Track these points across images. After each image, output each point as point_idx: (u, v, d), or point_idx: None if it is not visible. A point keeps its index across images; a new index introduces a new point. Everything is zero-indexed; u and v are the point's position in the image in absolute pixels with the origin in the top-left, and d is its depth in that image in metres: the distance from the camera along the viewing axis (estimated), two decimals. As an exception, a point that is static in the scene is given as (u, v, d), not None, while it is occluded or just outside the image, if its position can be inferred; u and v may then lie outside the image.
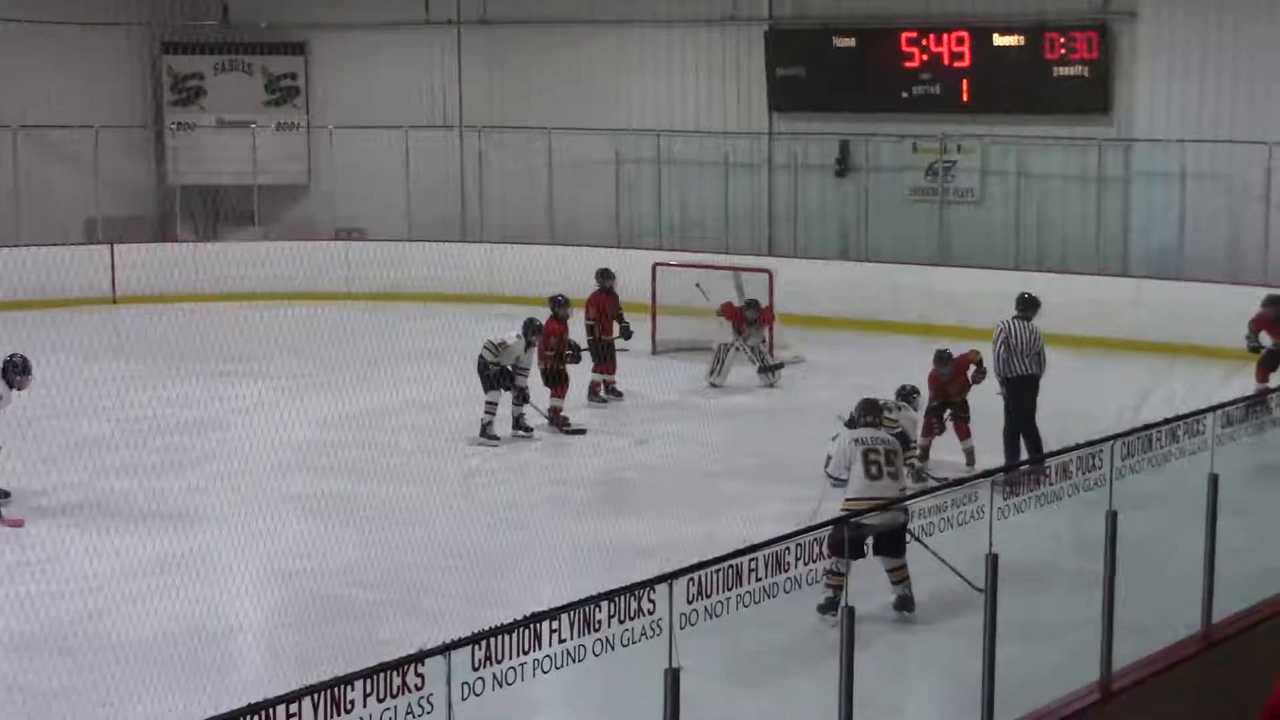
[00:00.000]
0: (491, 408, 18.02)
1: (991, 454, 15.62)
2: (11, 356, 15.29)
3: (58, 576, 12.99)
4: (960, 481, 9.07)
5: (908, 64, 26.62)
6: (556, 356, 18.55)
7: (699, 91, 28.87)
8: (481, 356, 18.06)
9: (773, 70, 27.75)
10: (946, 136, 26.45)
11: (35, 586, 12.56)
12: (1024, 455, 15.42)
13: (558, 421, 18.53)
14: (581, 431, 18.37)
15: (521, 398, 18.27)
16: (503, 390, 18.04)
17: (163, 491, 15.69)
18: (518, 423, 18.21)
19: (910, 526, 10.56)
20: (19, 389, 15.27)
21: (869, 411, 12.27)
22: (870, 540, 10.99)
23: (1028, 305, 16.51)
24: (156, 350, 22.37)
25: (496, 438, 17.94)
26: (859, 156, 27.49)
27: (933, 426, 16.34)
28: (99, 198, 28.90)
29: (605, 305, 20.39)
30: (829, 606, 10.81)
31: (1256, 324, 18.13)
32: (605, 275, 20.67)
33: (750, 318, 21.22)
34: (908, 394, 15.97)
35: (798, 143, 28.05)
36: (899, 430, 15.30)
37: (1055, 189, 25.93)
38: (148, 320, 25.25)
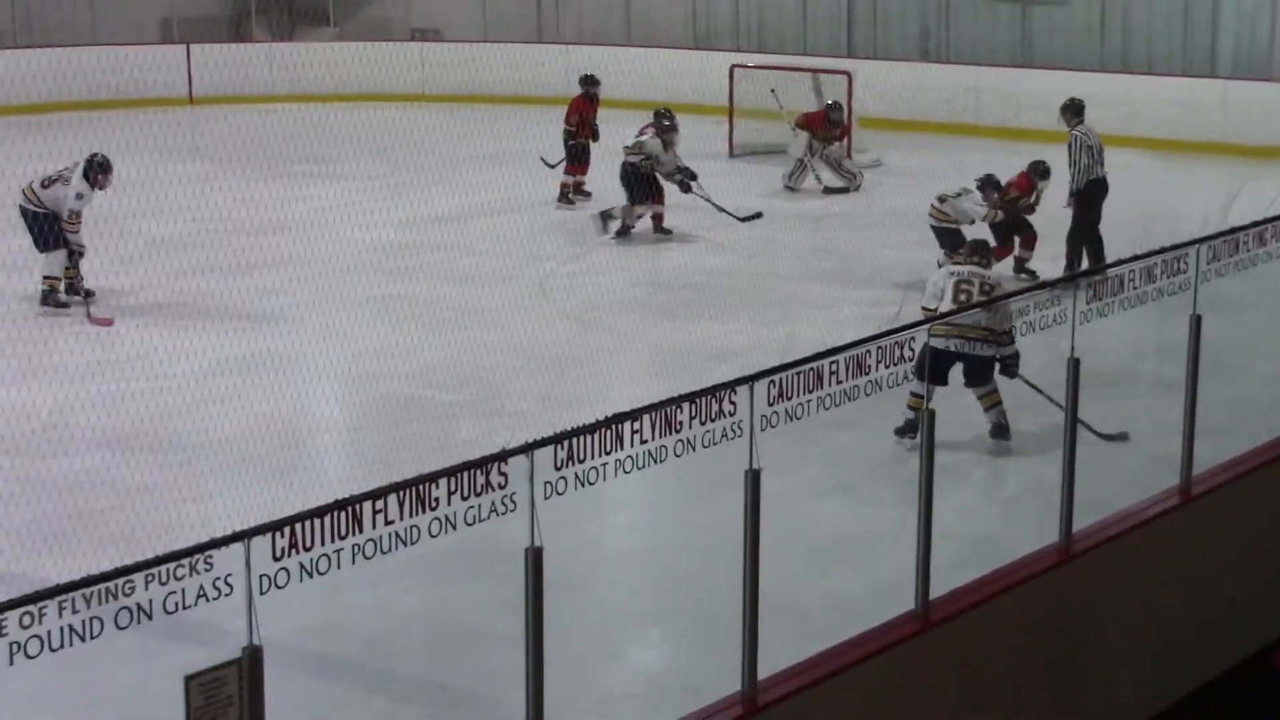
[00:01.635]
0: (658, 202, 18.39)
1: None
2: (93, 156, 15.36)
3: (142, 374, 13.13)
4: (1045, 284, 9.02)
5: None
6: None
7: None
8: (625, 164, 18.25)
9: None
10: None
11: (121, 385, 12.70)
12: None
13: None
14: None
15: (684, 188, 18.45)
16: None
17: (243, 292, 15.81)
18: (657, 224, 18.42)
19: (1003, 357, 10.76)
20: (101, 188, 15.37)
21: (976, 251, 11.93)
22: (960, 368, 10.92)
23: (1083, 109, 16.30)
24: (233, 151, 22.36)
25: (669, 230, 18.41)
26: (942, -46, 27.03)
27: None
28: (174, -2, 28.84)
29: (585, 111, 20.37)
30: (907, 429, 10.80)
31: None
32: (589, 81, 20.59)
33: (834, 119, 20.97)
34: (982, 183, 15.80)
35: (878, -61, 27.59)
36: (949, 223, 15.35)
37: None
38: (224, 120, 25.32)
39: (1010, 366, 10.87)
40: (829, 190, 20.63)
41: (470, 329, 14.61)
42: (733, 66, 23.83)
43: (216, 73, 27.41)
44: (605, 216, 18.26)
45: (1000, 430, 11.25)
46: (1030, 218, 16.03)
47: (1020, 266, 15.94)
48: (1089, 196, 15.85)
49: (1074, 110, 16.30)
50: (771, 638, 6.89)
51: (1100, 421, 10.18)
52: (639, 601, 9.35)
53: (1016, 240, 16.10)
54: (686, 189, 18.38)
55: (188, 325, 14.68)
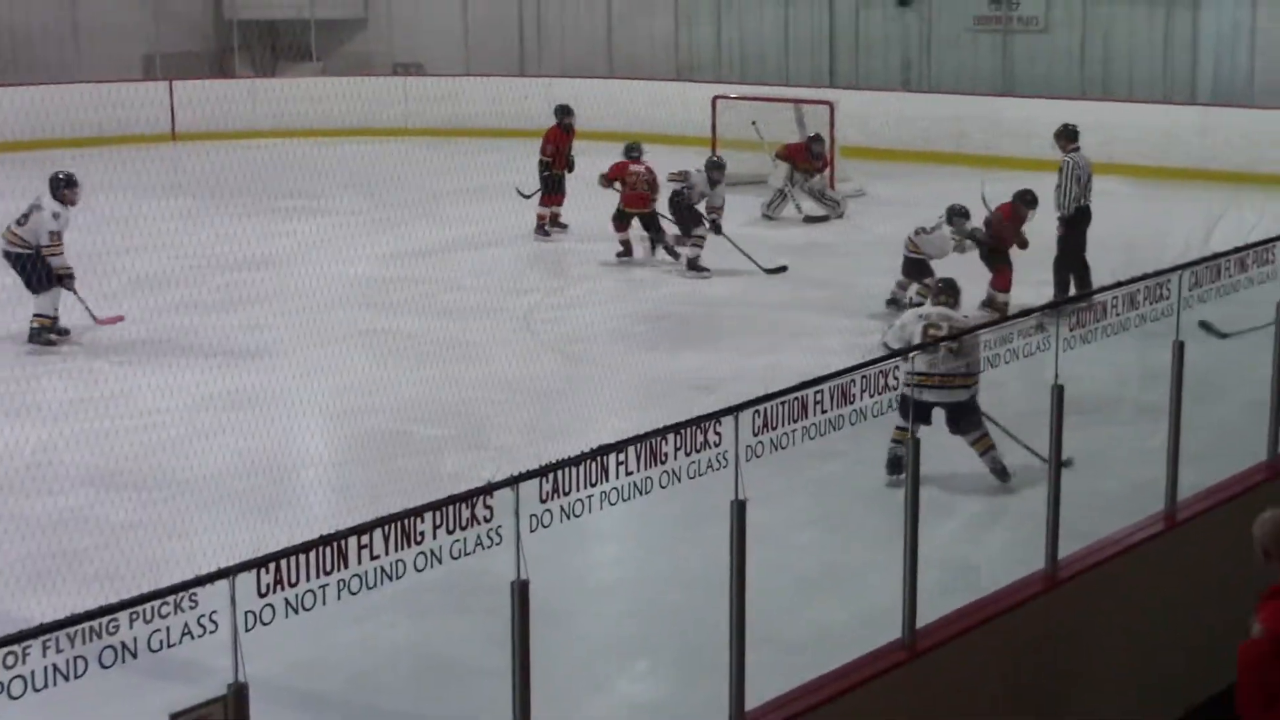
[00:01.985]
0: (699, 241, 18.36)
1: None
2: (55, 174, 15.41)
3: (125, 412, 13.11)
4: (1027, 312, 9.02)
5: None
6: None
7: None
8: (671, 194, 18.61)
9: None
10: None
11: (104, 422, 12.69)
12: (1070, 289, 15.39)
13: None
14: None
15: (714, 228, 18.50)
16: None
17: (226, 328, 15.83)
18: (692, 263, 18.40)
19: (977, 401, 10.78)
20: (71, 203, 15.37)
21: (943, 291, 11.79)
22: (941, 414, 10.84)
23: (1078, 135, 16.34)
24: (216, 186, 22.35)
25: (706, 270, 18.24)
26: (922, -16, 27.15)
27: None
28: (157, 33, 28.82)
29: (561, 142, 20.51)
30: (893, 466, 10.81)
31: None
32: (565, 112, 20.70)
33: (815, 151, 21.03)
34: (950, 214, 15.86)
35: (859, -30, 27.71)
36: (919, 255, 15.39)
37: (1122, 14, 25.54)
38: (206, 156, 25.26)
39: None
40: (810, 219, 20.69)
41: (454, 363, 14.60)
42: (715, 97, 23.93)
43: (199, 109, 27.44)
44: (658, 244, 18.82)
45: (1000, 473, 11.10)
46: (1015, 250, 15.94)
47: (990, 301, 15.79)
48: (1075, 223, 15.90)
49: (1069, 136, 16.36)
50: (758, 668, 6.88)
51: (1081, 448, 10.17)
52: (625, 633, 9.34)
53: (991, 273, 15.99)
54: (718, 230, 18.42)
55: (171, 362, 14.63)
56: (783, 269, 18.01)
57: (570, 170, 20.38)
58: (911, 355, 10.01)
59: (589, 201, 18.67)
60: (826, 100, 23.17)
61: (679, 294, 17.42)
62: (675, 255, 18.45)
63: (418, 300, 17.03)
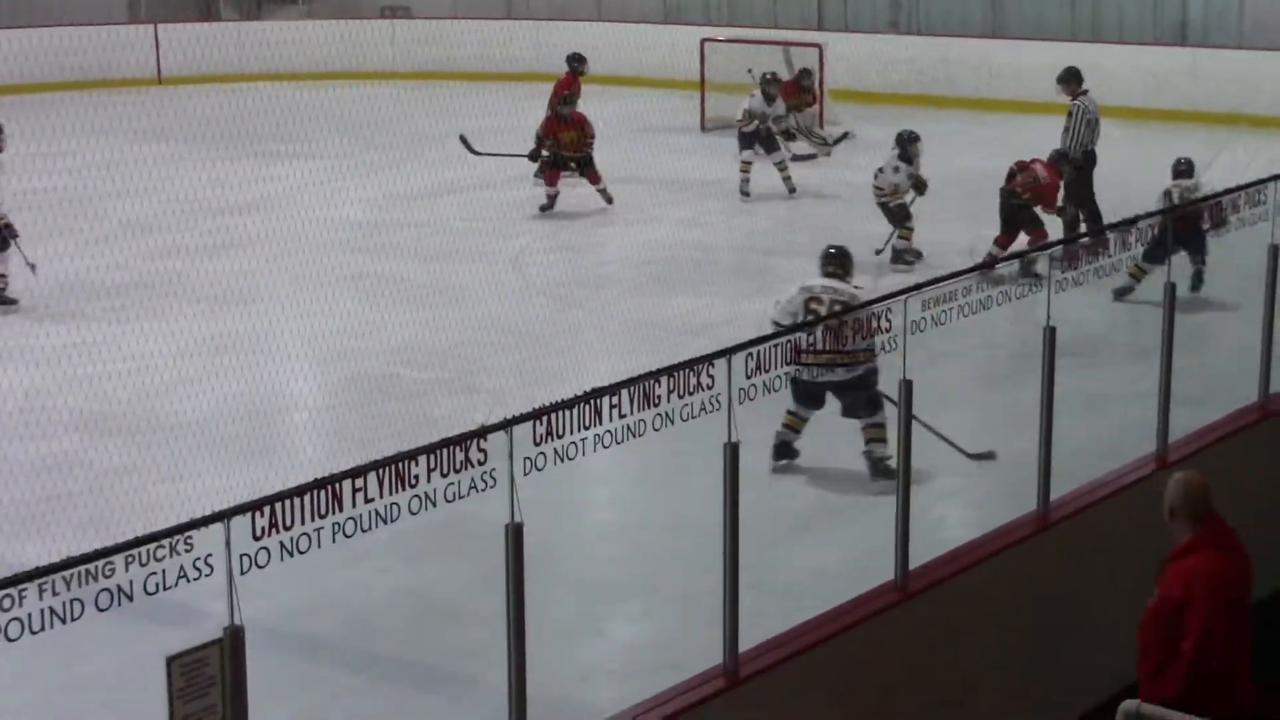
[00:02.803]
0: (746, 166, 19.09)
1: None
2: None
3: (115, 356, 13.09)
4: (1022, 254, 9.01)
5: None
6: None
7: None
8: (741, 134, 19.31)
9: None
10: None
11: (94, 367, 12.66)
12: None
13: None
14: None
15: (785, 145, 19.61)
16: (759, 149, 19.30)
17: (214, 273, 15.81)
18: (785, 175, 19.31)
19: (874, 381, 10.00)
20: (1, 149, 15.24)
21: (831, 261, 10.67)
22: (836, 397, 10.20)
23: (1082, 78, 16.23)
24: (203, 131, 22.35)
25: (748, 194, 18.95)
26: (911, -75, 27.04)
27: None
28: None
29: (574, 90, 20.11)
30: (779, 452, 10.41)
31: None
32: (578, 60, 20.47)
33: (805, 84, 21.04)
34: (902, 140, 15.99)
35: (848, -89, 27.59)
36: (888, 198, 15.54)
37: (1112, -45, 25.49)
38: (194, 101, 25.22)
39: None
40: (798, 157, 20.64)
41: (443, 306, 14.58)
42: (703, 40, 23.83)
43: (185, 52, 27.32)
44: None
45: (878, 470, 10.03)
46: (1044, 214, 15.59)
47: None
48: (1084, 167, 15.81)
49: (1076, 79, 16.21)
50: (752, 610, 6.90)
51: (1074, 390, 10.16)
52: (619, 576, 9.36)
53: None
54: (791, 137, 19.82)
55: (160, 307, 14.64)
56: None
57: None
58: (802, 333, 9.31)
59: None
60: (815, 43, 23.10)
61: (670, 239, 17.38)
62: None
63: (407, 244, 17.03)
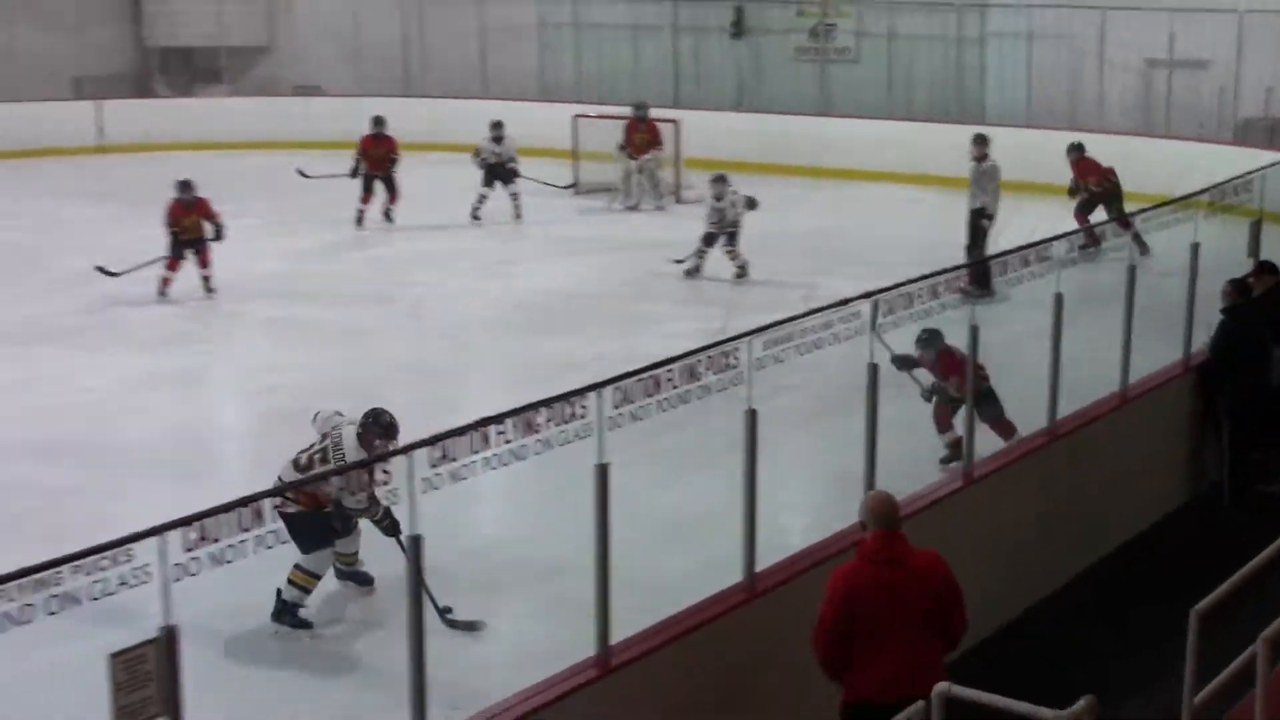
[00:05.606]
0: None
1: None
2: None
3: (65, 390, 12.90)
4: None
5: (794, -63, 26.48)
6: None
7: (611, -38, 28.52)
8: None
9: (677, -58, 27.49)
10: (828, 2, 26.29)
11: (45, 399, 12.48)
12: None
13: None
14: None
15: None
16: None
17: (153, 318, 15.60)
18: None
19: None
20: None
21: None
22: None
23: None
24: (140, 194, 22.01)
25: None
26: (752, 20, 27.28)
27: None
28: (84, 58, 28.24)
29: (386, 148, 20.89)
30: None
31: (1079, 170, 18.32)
32: (378, 122, 21.02)
33: (639, 115, 21.66)
34: (713, 180, 17.31)
35: (698, 8, 27.78)
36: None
37: (921, 49, 25.88)
38: (131, 168, 24.90)
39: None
40: (629, 209, 21.17)
41: (352, 345, 14.51)
42: (575, 115, 23.88)
43: (125, 125, 27.00)
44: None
45: (283, 613, 8.61)
46: None
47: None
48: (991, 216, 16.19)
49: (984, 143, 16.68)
50: (621, 609, 6.90)
51: (893, 418, 10.22)
52: (504, 581, 9.34)
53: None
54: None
55: (104, 347, 14.45)
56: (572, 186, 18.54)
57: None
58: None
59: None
60: (672, 119, 23.22)
61: (548, 286, 17.34)
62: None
63: (320, 291, 16.88)
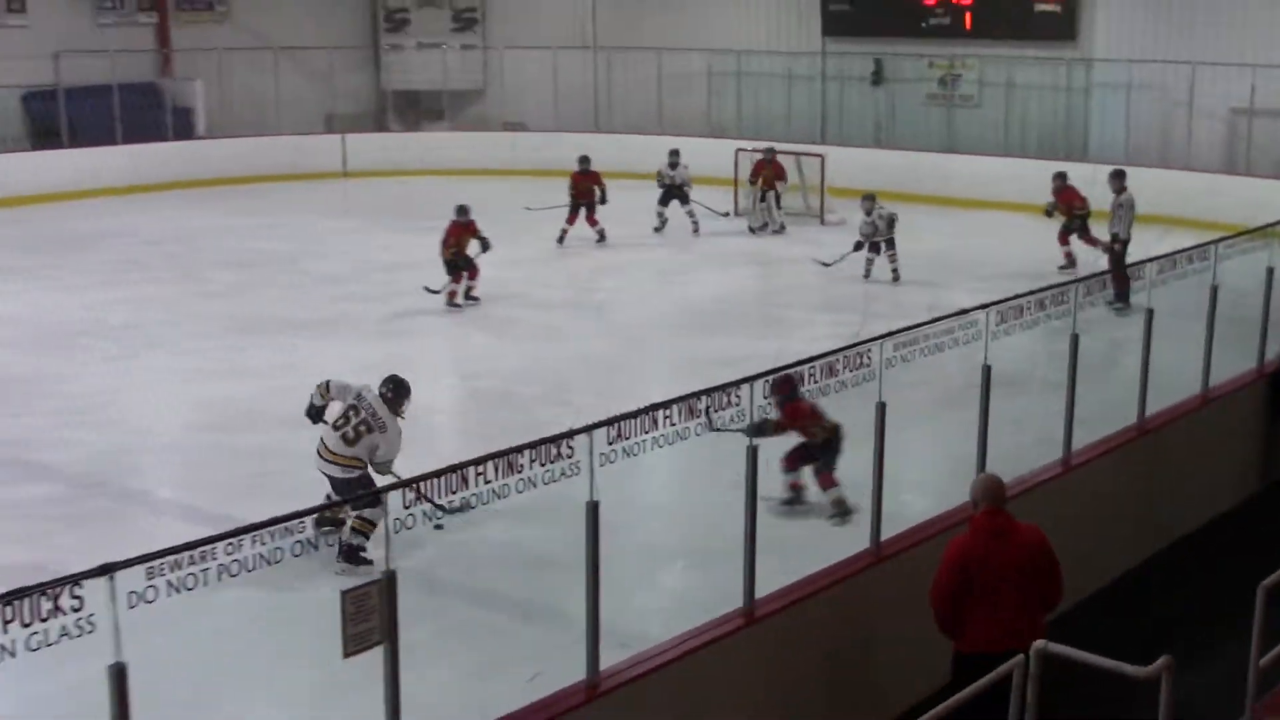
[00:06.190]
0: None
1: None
2: None
3: (317, 372, 13.04)
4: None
5: (926, 1, 26.09)
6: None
7: (769, 20, 28.32)
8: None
9: (825, 4, 27.20)
10: (954, 56, 25.90)
11: (299, 379, 12.62)
12: None
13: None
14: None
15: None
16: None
17: (384, 313, 15.86)
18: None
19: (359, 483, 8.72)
20: None
21: (385, 385, 9.08)
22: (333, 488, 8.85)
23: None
24: (376, 212, 22.47)
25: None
26: (890, 70, 26.93)
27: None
28: (335, 100, 28.87)
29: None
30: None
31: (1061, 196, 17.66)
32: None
33: (766, 158, 21.40)
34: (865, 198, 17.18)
35: (843, 60, 27.50)
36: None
37: (1034, 96, 25.39)
38: (369, 189, 25.40)
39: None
40: (753, 229, 21.12)
41: (547, 342, 14.61)
42: (737, 149, 23.81)
43: (364, 154, 27.56)
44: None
45: (349, 555, 8.50)
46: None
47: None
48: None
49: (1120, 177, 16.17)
50: (764, 569, 6.81)
51: (1001, 413, 9.95)
52: (665, 540, 9.32)
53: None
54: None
55: (345, 336, 14.71)
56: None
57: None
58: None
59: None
60: (819, 154, 23.03)
61: (713, 293, 17.23)
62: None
63: (524, 294, 17.01)
